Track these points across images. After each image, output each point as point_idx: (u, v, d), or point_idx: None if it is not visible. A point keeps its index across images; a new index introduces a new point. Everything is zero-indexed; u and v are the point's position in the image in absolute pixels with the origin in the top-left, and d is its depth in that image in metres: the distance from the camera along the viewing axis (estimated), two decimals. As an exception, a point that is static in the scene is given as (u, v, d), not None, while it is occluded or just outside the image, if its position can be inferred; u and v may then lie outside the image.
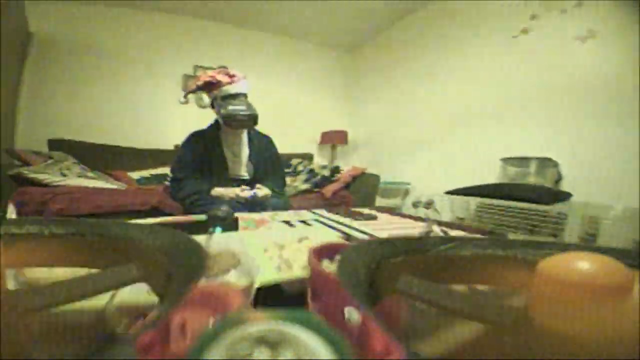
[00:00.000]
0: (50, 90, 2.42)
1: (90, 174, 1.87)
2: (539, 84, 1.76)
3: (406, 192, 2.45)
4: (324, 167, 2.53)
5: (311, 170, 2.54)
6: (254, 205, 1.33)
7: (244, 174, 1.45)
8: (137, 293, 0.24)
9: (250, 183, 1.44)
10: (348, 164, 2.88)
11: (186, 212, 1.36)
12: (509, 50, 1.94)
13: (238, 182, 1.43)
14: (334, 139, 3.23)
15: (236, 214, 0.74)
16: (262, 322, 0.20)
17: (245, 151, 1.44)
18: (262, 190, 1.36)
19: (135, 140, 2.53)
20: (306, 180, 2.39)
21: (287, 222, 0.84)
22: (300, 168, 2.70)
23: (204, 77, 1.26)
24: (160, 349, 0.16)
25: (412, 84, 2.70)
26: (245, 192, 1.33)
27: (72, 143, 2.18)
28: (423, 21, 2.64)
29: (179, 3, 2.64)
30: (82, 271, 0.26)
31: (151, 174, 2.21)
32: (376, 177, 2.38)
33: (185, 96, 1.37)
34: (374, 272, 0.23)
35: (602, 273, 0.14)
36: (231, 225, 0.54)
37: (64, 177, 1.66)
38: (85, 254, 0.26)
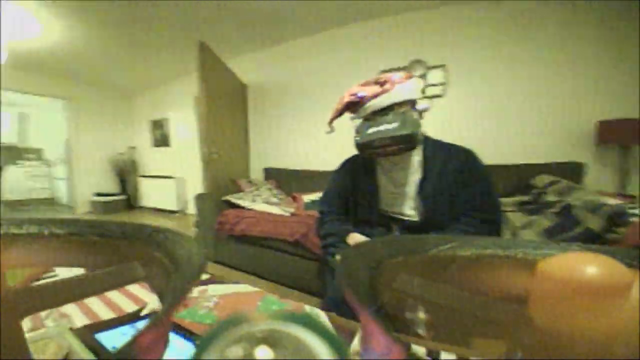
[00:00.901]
0: (266, 128, 3.16)
1: (273, 199, 2.35)
2: None
3: None
4: (597, 207, 1.10)
5: (566, 208, 1.22)
6: None
7: (410, 212, 0.97)
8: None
9: (422, 230, 0.93)
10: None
11: (323, 252, 1.09)
12: None
13: (399, 224, 0.99)
14: (626, 135, 1.67)
15: None
16: (262, 322, 0.20)
17: (413, 178, 0.95)
18: None
19: (330, 163, 2.57)
20: (552, 231, 1.18)
21: None
22: (550, 198, 1.35)
23: (346, 96, 0.94)
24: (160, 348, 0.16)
25: None
26: None
27: (277, 170, 2.87)
28: None
29: (360, 9, 2.41)
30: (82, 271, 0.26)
31: (318, 197, 2.30)
32: None
33: (329, 124, 1.00)
34: (374, 272, 0.23)
35: (602, 273, 0.14)
36: None
37: (253, 202, 2.14)
38: (85, 254, 0.26)
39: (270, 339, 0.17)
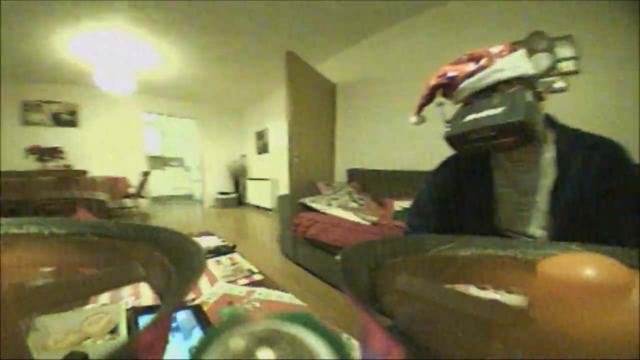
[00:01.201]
0: (355, 126, 2.97)
1: (351, 204, 2.20)
2: None
3: None
4: None
5: None
6: None
7: (537, 232, 0.74)
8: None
9: None
10: None
11: None
12: None
13: None
14: None
15: None
16: (262, 322, 0.20)
17: (544, 184, 0.72)
18: None
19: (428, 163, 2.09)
20: None
21: None
22: None
23: (432, 78, 0.78)
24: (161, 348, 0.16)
25: None
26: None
27: (362, 171, 2.66)
28: None
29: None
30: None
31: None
32: None
33: (417, 113, 0.82)
34: (375, 272, 0.23)
35: (603, 273, 0.14)
36: None
37: (328, 207, 2.06)
38: (85, 254, 0.26)
39: (270, 339, 0.17)
